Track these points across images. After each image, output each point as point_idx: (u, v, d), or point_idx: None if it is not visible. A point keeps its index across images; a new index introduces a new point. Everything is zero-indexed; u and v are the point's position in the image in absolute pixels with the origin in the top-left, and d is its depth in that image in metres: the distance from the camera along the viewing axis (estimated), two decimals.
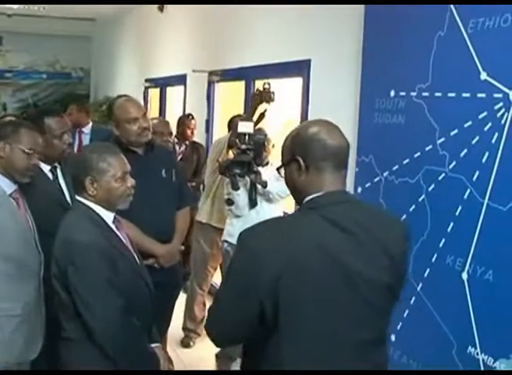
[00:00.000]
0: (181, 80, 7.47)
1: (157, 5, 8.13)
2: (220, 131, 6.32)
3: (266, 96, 4.16)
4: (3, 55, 13.11)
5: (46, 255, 2.99)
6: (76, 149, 6.16)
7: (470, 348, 2.88)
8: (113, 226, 2.67)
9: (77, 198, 2.65)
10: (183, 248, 3.84)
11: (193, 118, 6.38)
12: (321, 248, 1.79)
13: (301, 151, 1.91)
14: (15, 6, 10.04)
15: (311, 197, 1.89)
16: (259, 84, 5.63)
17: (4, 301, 2.82)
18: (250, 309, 1.81)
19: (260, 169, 4.09)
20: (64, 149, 3.34)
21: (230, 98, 6.45)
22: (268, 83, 4.10)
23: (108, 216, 2.65)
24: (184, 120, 6.33)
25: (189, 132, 6.21)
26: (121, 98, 3.71)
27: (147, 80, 9.07)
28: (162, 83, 8.53)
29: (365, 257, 1.83)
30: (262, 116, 3.93)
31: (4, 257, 2.81)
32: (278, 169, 2.02)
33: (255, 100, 4.28)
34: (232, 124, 5.30)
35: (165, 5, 8.02)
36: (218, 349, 4.61)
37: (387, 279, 1.87)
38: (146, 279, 2.74)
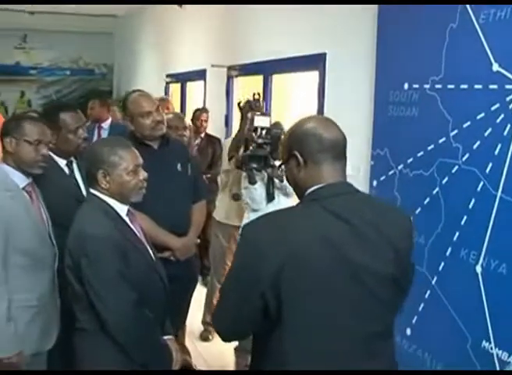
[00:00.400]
0: (201, 75, 7.49)
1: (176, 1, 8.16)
2: (238, 126, 6.33)
3: (253, 105, 4.27)
4: (27, 53, 13.24)
5: (60, 247, 3.03)
6: None
7: (484, 342, 2.87)
8: (127, 219, 2.69)
9: (91, 191, 2.68)
10: (198, 241, 3.86)
11: (205, 111, 6.41)
12: (323, 240, 1.79)
13: (298, 147, 1.91)
14: (36, 4, 10.13)
15: (312, 189, 1.90)
16: (276, 78, 5.66)
17: (19, 293, 2.84)
18: (254, 303, 1.81)
19: (277, 163, 4.09)
20: (79, 144, 3.36)
21: (249, 92, 6.44)
22: (258, 94, 4.19)
23: (121, 209, 2.67)
24: (196, 114, 6.38)
25: (198, 124, 6.25)
26: (134, 92, 3.74)
27: (168, 76, 9.10)
28: (183, 79, 8.56)
29: (369, 249, 1.82)
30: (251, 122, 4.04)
31: (18, 250, 2.84)
32: (279, 167, 2.03)
33: (244, 108, 4.38)
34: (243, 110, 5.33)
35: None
36: (236, 343, 4.63)
37: (393, 271, 1.86)
38: (160, 272, 2.76)
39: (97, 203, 2.64)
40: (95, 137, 6.48)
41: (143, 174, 2.70)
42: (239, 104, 4.74)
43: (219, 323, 1.99)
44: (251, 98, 4.47)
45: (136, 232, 2.72)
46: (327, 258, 1.78)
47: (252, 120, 4.35)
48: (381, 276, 1.84)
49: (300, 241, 1.78)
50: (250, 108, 4.52)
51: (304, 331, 1.80)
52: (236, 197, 4.49)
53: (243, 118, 4.66)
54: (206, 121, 6.32)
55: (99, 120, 6.68)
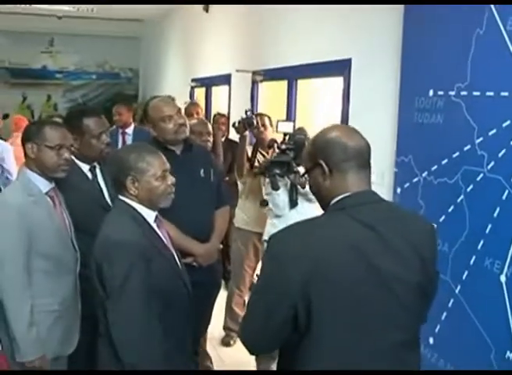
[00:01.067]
0: (226, 79, 7.52)
1: (202, 6, 8.20)
2: None
3: (246, 123, 4.31)
4: (54, 56, 13.39)
5: (83, 252, 3.05)
6: None
7: (508, 353, 2.83)
8: (154, 226, 2.70)
9: (119, 197, 2.68)
10: (221, 246, 3.86)
11: (223, 116, 6.46)
12: (351, 249, 1.79)
13: (323, 155, 1.92)
14: (65, 7, 10.23)
15: (338, 198, 1.90)
16: (301, 83, 5.66)
17: (42, 298, 2.87)
18: (284, 316, 1.81)
19: (300, 168, 4.08)
20: (102, 149, 3.38)
21: (274, 97, 6.45)
22: (251, 111, 4.25)
23: (149, 215, 2.68)
24: (215, 118, 6.42)
25: (216, 128, 6.27)
26: (154, 98, 3.76)
27: (193, 80, 9.14)
28: (208, 83, 8.59)
29: (397, 257, 1.83)
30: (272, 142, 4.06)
31: (41, 254, 2.87)
32: (302, 175, 2.03)
33: (240, 128, 4.43)
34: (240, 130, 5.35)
35: (210, 6, 8.08)
36: None
37: (419, 280, 1.86)
38: (185, 279, 2.76)
39: (125, 209, 2.64)
40: (120, 143, 6.52)
41: (171, 179, 2.71)
42: (233, 125, 4.78)
43: (247, 336, 1.97)
44: (244, 116, 4.50)
45: (163, 238, 2.73)
46: (355, 267, 1.78)
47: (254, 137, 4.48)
48: (409, 285, 1.84)
49: (326, 251, 1.78)
50: (244, 127, 4.56)
51: (332, 340, 1.80)
52: (264, 203, 4.49)
53: (241, 138, 4.71)
54: (224, 125, 6.32)
55: (126, 126, 6.71)
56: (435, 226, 3.02)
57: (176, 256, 2.77)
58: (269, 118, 5.20)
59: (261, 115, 5.24)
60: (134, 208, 2.64)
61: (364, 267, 1.79)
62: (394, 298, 1.82)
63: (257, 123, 4.78)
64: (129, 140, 6.59)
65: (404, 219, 1.96)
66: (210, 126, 4.73)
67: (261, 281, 1.92)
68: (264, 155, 5.06)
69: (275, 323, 1.84)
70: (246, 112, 4.56)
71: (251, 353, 2.06)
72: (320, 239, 1.82)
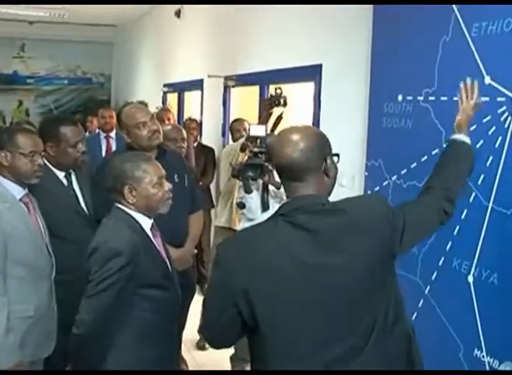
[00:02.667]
0: (198, 84, 7.54)
1: (174, 11, 8.22)
2: None
3: (277, 100, 4.22)
4: (25, 62, 13.30)
5: (58, 258, 3.07)
6: (104, 154, 6.26)
7: (476, 351, 2.90)
8: (150, 234, 2.73)
9: (116, 205, 2.71)
10: (196, 251, 3.90)
11: (194, 120, 6.51)
12: (283, 249, 1.90)
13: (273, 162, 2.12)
14: (36, 13, 10.18)
15: (282, 203, 2.05)
16: (272, 89, 5.70)
17: (17, 304, 2.88)
18: (232, 317, 1.95)
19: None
20: (77, 157, 3.40)
21: (246, 102, 6.50)
22: (280, 88, 4.16)
23: (146, 223, 2.72)
24: (185, 123, 6.44)
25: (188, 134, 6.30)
26: (127, 105, 3.79)
27: (165, 85, 9.15)
28: (180, 88, 8.61)
29: (334, 254, 1.88)
30: (279, 119, 4.00)
31: (15, 260, 2.88)
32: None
33: (267, 105, 4.34)
34: (233, 129, 5.40)
35: (182, 11, 8.11)
36: (232, 351, 4.66)
37: (358, 270, 1.89)
38: (175, 285, 2.81)
39: (122, 217, 2.68)
40: (104, 146, 6.53)
41: (167, 185, 2.77)
42: (265, 101, 4.72)
43: (205, 332, 2.14)
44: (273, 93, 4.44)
45: (157, 246, 2.77)
46: (285, 265, 1.88)
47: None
48: (353, 274, 1.88)
49: (262, 254, 1.92)
50: (271, 105, 4.51)
51: (275, 334, 1.90)
52: (241, 205, 4.52)
53: (268, 116, 4.65)
54: (195, 130, 6.35)
55: (110, 129, 6.72)
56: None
57: (168, 264, 2.81)
58: (248, 123, 5.27)
59: (240, 119, 5.31)
60: (131, 216, 2.67)
61: (293, 264, 1.88)
62: (336, 297, 1.88)
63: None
64: (113, 144, 6.59)
65: (346, 210, 1.96)
66: (184, 133, 4.76)
67: (210, 284, 2.07)
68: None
69: (224, 319, 1.97)
70: (276, 89, 4.51)
71: (212, 347, 2.23)
72: (255, 246, 1.96)
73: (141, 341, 2.62)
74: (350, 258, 1.89)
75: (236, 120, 5.78)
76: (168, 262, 2.81)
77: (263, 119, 4.58)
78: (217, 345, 2.18)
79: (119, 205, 2.70)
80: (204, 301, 2.09)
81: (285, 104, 4.46)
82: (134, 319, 2.59)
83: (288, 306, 1.89)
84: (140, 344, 2.62)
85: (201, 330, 2.18)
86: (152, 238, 2.74)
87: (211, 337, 2.12)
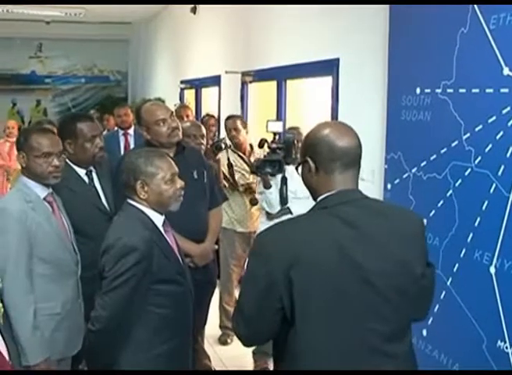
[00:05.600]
0: (215, 81, 7.57)
1: (190, 7, 8.24)
2: (253, 131, 6.39)
3: (219, 145, 4.92)
4: (42, 61, 13.41)
5: (83, 255, 3.11)
6: (122, 151, 6.29)
7: (499, 342, 2.90)
8: (162, 230, 2.75)
9: (128, 201, 2.73)
10: (216, 247, 3.92)
11: (212, 117, 6.49)
12: (331, 245, 1.85)
13: (311, 153, 1.98)
14: (53, 13, 10.24)
15: (322, 196, 1.96)
16: (290, 83, 5.72)
17: (43, 302, 2.92)
18: (273, 307, 1.88)
19: (291, 167, 4.14)
20: (95, 153, 3.44)
21: (263, 97, 6.51)
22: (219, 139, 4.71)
23: (158, 219, 2.74)
24: (203, 119, 6.41)
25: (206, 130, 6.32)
26: (146, 102, 3.81)
27: (182, 82, 9.17)
28: (197, 85, 8.64)
29: (377, 254, 1.87)
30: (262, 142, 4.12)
31: (41, 259, 2.92)
32: (296, 168, 2.09)
33: (211, 151, 4.93)
34: (226, 122, 5.42)
35: (198, 7, 8.12)
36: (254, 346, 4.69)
37: (399, 277, 1.90)
38: (188, 282, 2.82)
39: (134, 213, 2.70)
40: (122, 144, 6.57)
41: (180, 183, 2.78)
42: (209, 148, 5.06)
43: (240, 329, 2.02)
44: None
45: (170, 242, 2.78)
46: (333, 259, 1.84)
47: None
48: (389, 280, 1.88)
49: (307, 248, 1.85)
50: (214, 152, 5.07)
51: (314, 331, 1.86)
52: (254, 201, 4.55)
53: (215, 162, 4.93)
54: (213, 126, 6.35)
55: (129, 127, 6.76)
56: (426, 220, 3.11)
57: (180, 259, 2.83)
58: (242, 120, 5.28)
59: (234, 117, 5.30)
60: (143, 212, 2.69)
61: (341, 260, 1.84)
62: (374, 291, 1.86)
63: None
64: (131, 140, 6.62)
65: (389, 216, 1.99)
66: (203, 129, 4.77)
67: (248, 276, 1.98)
68: (242, 157, 5.15)
69: (263, 314, 1.91)
70: (215, 140, 4.80)
71: (245, 345, 2.14)
72: (301, 236, 1.89)
73: (156, 336, 2.64)
74: (396, 265, 1.89)
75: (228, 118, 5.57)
76: (180, 258, 2.83)
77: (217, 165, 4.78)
78: (250, 343, 2.16)
79: (131, 201, 2.72)
80: (240, 295, 2.02)
81: (226, 147, 4.73)
82: (148, 314, 2.62)
83: (329, 301, 1.85)
84: (155, 338, 2.64)
85: (237, 327, 2.03)
86: (164, 234, 2.75)
87: (248, 334, 2.02)
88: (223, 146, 5.01)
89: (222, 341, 5.21)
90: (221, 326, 5.29)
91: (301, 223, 1.98)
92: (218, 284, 5.44)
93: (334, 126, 2.05)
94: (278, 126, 4.08)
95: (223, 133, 6.76)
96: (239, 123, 5.17)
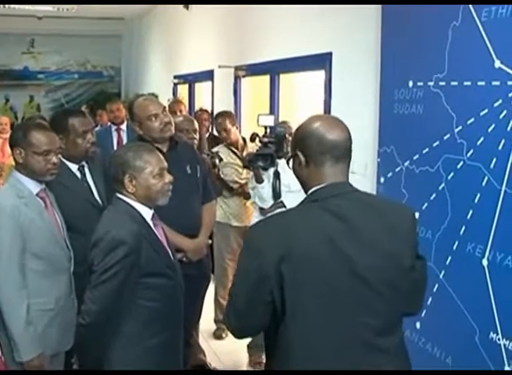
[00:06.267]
0: (208, 75, 7.56)
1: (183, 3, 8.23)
2: (247, 125, 6.40)
3: (214, 158, 4.95)
4: (35, 57, 13.35)
5: (75, 251, 3.11)
6: (115, 146, 6.28)
7: (492, 333, 2.91)
8: (151, 223, 2.75)
9: (117, 195, 2.74)
10: (210, 241, 3.93)
11: (205, 111, 6.46)
12: (322, 239, 1.86)
13: (301, 146, 1.99)
14: (45, 8, 10.20)
15: (313, 189, 1.97)
16: (283, 77, 5.72)
17: (37, 297, 2.92)
18: (264, 300, 1.89)
19: (283, 161, 4.14)
20: (87, 148, 3.43)
21: (256, 91, 6.51)
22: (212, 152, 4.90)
23: (146, 213, 2.74)
24: (196, 114, 6.37)
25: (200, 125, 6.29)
26: (139, 98, 3.81)
27: (175, 77, 9.16)
28: (190, 80, 8.63)
29: (367, 247, 1.88)
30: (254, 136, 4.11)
31: (34, 254, 2.92)
32: (287, 162, 2.09)
33: (209, 163, 4.87)
34: (216, 121, 5.40)
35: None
36: (249, 340, 4.70)
37: (389, 271, 1.91)
38: (178, 276, 2.83)
39: (123, 207, 2.71)
40: (115, 139, 6.56)
41: (168, 177, 2.78)
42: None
43: (231, 322, 2.04)
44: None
45: (159, 236, 2.79)
46: (324, 253, 1.85)
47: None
48: (380, 274, 1.88)
49: (298, 241, 1.86)
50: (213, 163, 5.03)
51: (305, 325, 1.87)
52: (247, 196, 4.55)
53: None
54: (206, 120, 6.33)
55: (121, 122, 6.75)
56: (418, 214, 3.12)
57: (170, 253, 2.83)
58: (230, 117, 5.26)
59: (222, 116, 5.27)
60: (132, 206, 2.70)
61: (331, 253, 1.85)
62: (365, 285, 1.87)
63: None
64: (124, 136, 6.61)
65: (380, 209, 1.99)
66: (196, 124, 4.77)
67: (240, 268, 1.99)
68: (235, 153, 5.15)
69: (254, 307, 1.93)
70: (208, 154, 4.82)
71: (236, 337, 2.15)
72: (291, 230, 1.89)
73: (145, 329, 2.65)
74: (385, 258, 1.90)
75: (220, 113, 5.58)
76: (170, 252, 2.83)
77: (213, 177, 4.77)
78: (241, 335, 2.17)
79: (120, 195, 2.72)
80: (232, 288, 2.03)
81: (220, 159, 4.76)
82: (138, 307, 2.62)
83: (319, 294, 1.86)
84: (145, 332, 2.65)
85: (228, 319, 2.04)
86: (153, 228, 2.76)
87: (239, 326, 2.03)
88: (217, 162, 5.02)
89: (217, 335, 5.22)
90: (216, 321, 5.29)
91: (291, 216, 1.99)
92: (213, 279, 5.46)
93: (324, 119, 2.06)
94: (269, 121, 4.07)
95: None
96: (228, 123, 5.16)
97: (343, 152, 1.97)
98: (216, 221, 5.09)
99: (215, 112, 7.06)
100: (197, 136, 4.69)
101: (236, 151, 5.17)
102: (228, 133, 5.17)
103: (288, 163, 2.10)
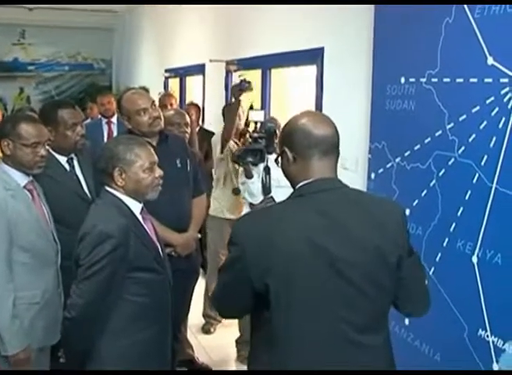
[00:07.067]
0: (200, 69, 7.53)
1: None
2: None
3: (245, 86, 4.31)
4: (25, 48, 13.22)
5: (63, 244, 3.08)
6: (105, 139, 6.25)
7: (480, 331, 2.92)
8: (140, 217, 2.73)
9: (106, 188, 2.71)
10: (199, 236, 3.91)
11: (195, 105, 6.45)
12: (304, 235, 1.87)
13: (287, 142, 2.00)
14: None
15: (300, 184, 1.98)
16: (275, 72, 5.71)
17: (23, 290, 2.90)
18: (246, 292, 1.95)
19: (274, 156, 4.13)
20: (77, 140, 3.41)
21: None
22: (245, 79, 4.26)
23: (135, 207, 2.72)
24: (186, 109, 6.34)
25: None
26: (128, 91, 3.78)
27: (166, 70, 9.12)
28: (182, 73, 8.58)
29: (349, 244, 1.88)
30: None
31: (20, 247, 2.89)
32: (276, 160, 2.09)
33: (237, 90, 4.42)
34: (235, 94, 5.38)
35: None
36: (237, 335, 4.69)
37: (374, 263, 1.90)
38: (167, 271, 2.81)
39: (111, 200, 2.68)
40: (106, 132, 6.52)
41: (158, 172, 2.76)
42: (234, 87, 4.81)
43: (217, 302, 2.15)
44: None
45: (148, 230, 2.77)
46: (305, 248, 1.86)
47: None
48: (363, 271, 1.88)
49: (278, 233, 1.89)
50: (239, 91, 4.57)
51: (287, 318, 1.89)
52: (236, 191, 4.53)
53: (235, 102, 4.73)
54: (193, 115, 6.28)
55: (112, 115, 6.71)
56: (409, 210, 3.11)
57: (159, 247, 2.82)
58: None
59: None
60: (120, 200, 2.67)
61: (316, 251, 1.85)
62: (346, 281, 1.87)
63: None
64: (114, 129, 6.58)
65: (367, 205, 1.99)
66: (187, 117, 4.73)
67: (226, 261, 2.04)
68: (237, 144, 5.13)
69: (237, 296, 2.00)
70: (240, 76, 4.59)
71: (222, 316, 2.35)
72: (274, 225, 1.92)
73: (134, 324, 2.64)
74: (369, 254, 1.89)
75: (227, 105, 5.66)
76: (159, 246, 2.81)
77: (234, 107, 4.64)
78: (226, 314, 2.27)
79: (108, 189, 2.70)
80: (219, 272, 2.08)
81: (251, 88, 4.57)
82: (126, 302, 2.61)
83: (302, 289, 1.87)
84: (133, 326, 2.64)
85: (213, 300, 2.21)
86: (142, 222, 2.74)
87: (222, 308, 2.15)
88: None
89: (206, 329, 5.22)
90: (204, 315, 5.28)
91: (274, 211, 2.03)
92: (202, 273, 5.44)
93: (310, 115, 2.06)
94: (259, 116, 4.07)
95: (210, 122, 6.75)
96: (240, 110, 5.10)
97: (330, 147, 1.98)
98: (211, 215, 5.09)
99: (206, 107, 7.06)
100: (188, 130, 4.66)
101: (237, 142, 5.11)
102: (240, 118, 5.10)
103: (276, 162, 2.09)
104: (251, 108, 4.06)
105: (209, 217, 5.14)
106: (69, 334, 2.60)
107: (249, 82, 4.63)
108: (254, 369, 2.12)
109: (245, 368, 4.27)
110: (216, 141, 5.10)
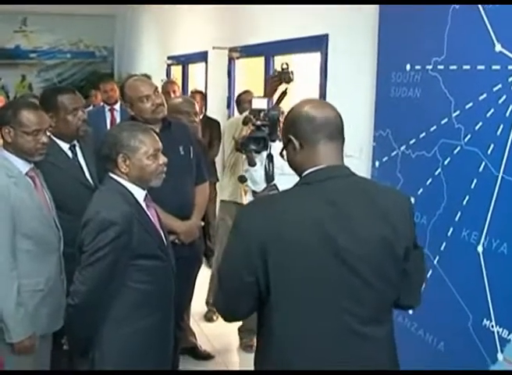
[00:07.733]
0: (202, 56, 7.50)
1: None
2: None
3: (285, 77, 4.18)
4: (27, 36, 13.18)
5: (65, 231, 3.07)
6: (108, 126, 6.24)
7: (485, 320, 2.90)
8: (143, 204, 2.72)
9: (109, 175, 2.70)
10: (202, 223, 3.89)
11: (199, 93, 6.40)
12: (309, 223, 1.84)
13: (292, 130, 1.97)
14: None
15: (306, 172, 1.95)
16: (278, 60, 5.66)
17: (27, 278, 2.89)
18: (249, 283, 1.89)
19: (277, 143, 4.10)
20: (78, 126, 3.38)
21: (251, 73, 6.45)
22: (287, 64, 4.12)
23: (139, 194, 2.71)
24: (191, 96, 6.29)
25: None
26: (131, 78, 3.75)
27: (169, 58, 9.08)
28: (184, 61, 8.55)
29: (356, 232, 1.85)
30: (284, 94, 3.95)
31: (23, 234, 2.88)
32: (280, 153, 2.06)
33: (274, 81, 4.30)
34: (240, 101, 5.35)
35: None
36: (240, 323, 4.68)
37: (381, 254, 1.87)
38: (170, 258, 2.80)
39: (115, 187, 2.67)
40: (108, 119, 6.50)
41: (162, 159, 2.74)
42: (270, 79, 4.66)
43: (219, 304, 2.07)
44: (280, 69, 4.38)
45: (151, 217, 2.75)
46: (310, 237, 1.83)
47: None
48: (368, 259, 1.86)
49: (283, 221, 1.85)
50: (280, 81, 4.43)
51: (289, 307, 1.87)
52: (243, 179, 4.49)
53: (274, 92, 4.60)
54: (198, 103, 6.23)
55: (115, 102, 6.69)
56: (413, 199, 3.09)
57: (162, 235, 2.80)
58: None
59: (249, 93, 5.26)
60: (124, 186, 2.66)
61: (321, 240, 1.83)
62: (352, 272, 1.84)
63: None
64: (117, 116, 6.56)
65: (374, 194, 1.96)
66: (197, 106, 4.66)
67: (227, 251, 1.99)
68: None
69: (240, 289, 1.92)
70: (282, 64, 4.44)
71: (225, 320, 2.16)
72: (279, 212, 1.89)
73: (137, 311, 2.63)
74: (376, 246, 1.86)
75: (244, 92, 5.68)
76: (162, 233, 2.80)
77: (268, 94, 4.53)
78: (230, 318, 2.16)
79: (112, 175, 2.68)
80: (219, 269, 2.04)
81: (291, 80, 4.41)
82: (129, 289, 2.60)
83: (304, 278, 1.84)
84: (136, 314, 2.63)
85: (215, 302, 2.12)
86: (146, 209, 2.72)
87: (225, 308, 2.05)
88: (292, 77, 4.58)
89: (208, 317, 5.22)
90: (207, 303, 5.27)
91: (280, 199, 2.00)
92: (205, 262, 5.43)
93: (311, 102, 2.05)
94: (263, 103, 4.02)
95: (213, 110, 6.71)
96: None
97: (334, 131, 1.96)
98: (222, 200, 5.06)
99: (208, 94, 7.02)
100: (197, 119, 4.59)
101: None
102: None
103: (281, 155, 2.07)
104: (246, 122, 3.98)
105: (221, 203, 5.13)
106: (72, 321, 2.60)
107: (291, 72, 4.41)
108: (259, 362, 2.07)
109: (247, 356, 4.29)
110: (231, 125, 5.09)
